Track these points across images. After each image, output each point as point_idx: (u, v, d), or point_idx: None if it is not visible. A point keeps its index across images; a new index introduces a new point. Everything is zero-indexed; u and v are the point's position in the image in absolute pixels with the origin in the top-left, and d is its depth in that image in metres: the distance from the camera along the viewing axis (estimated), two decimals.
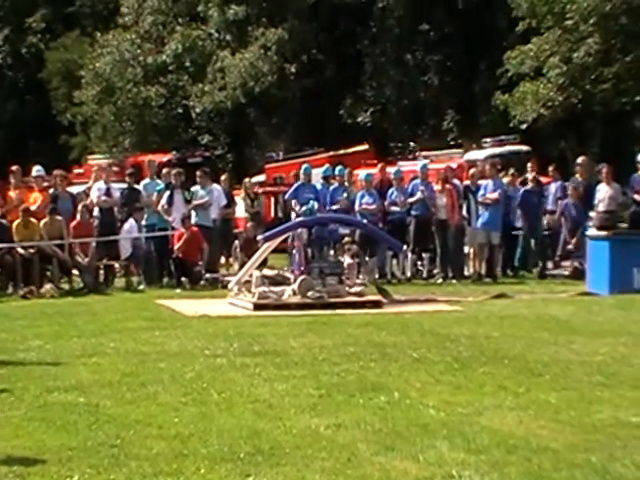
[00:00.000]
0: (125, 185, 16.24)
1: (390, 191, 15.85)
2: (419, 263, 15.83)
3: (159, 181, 15.94)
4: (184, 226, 14.63)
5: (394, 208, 15.73)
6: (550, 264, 16.30)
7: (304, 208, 15.04)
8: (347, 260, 13.12)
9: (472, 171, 16.82)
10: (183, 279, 14.35)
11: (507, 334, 8.88)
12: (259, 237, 13.60)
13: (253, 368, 7.19)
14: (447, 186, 15.71)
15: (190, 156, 27.70)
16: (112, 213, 15.51)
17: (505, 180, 16.41)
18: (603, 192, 15.16)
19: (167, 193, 15.30)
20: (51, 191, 15.42)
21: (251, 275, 12.13)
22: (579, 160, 16.96)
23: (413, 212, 15.67)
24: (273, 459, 4.81)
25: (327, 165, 17.42)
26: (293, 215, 15.76)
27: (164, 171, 16.40)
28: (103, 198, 15.36)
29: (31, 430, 5.47)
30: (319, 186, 16.00)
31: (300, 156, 25.13)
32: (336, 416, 5.65)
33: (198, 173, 16.08)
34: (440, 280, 15.17)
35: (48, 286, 13.73)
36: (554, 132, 26.81)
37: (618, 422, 5.51)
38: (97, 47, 31.78)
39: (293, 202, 15.64)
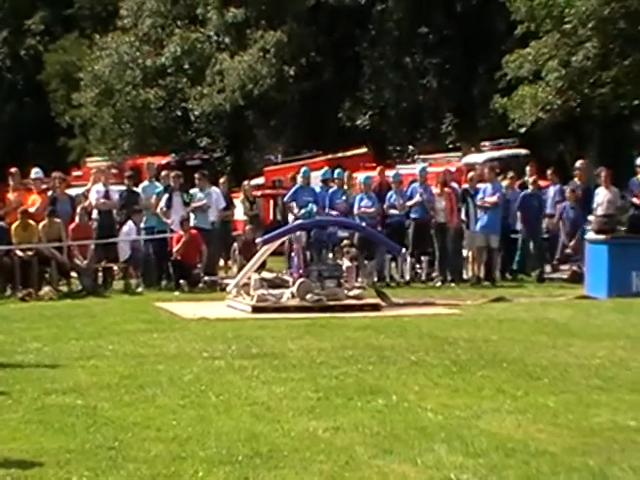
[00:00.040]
0: (124, 187, 16.23)
1: (389, 194, 15.86)
2: (418, 266, 15.83)
3: (158, 184, 15.95)
4: (183, 229, 14.62)
5: (393, 211, 15.74)
6: (548, 268, 16.31)
7: (303, 211, 15.03)
8: (346, 263, 13.12)
9: (471, 174, 16.83)
10: (182, 282, 14.35)
11: (506, 337, 8.89)
12: (258, 240, 13.60)
13: (251, 371, 7.19)
14: (446, 189, 15.72)
15: (189, 159, 27.71)
16: (111, 215, 15.50)
17: (504, 183, 16.42)
18: (602, 196, 15.18)
19: (166, 196, 15.31)
20: (50, 193, 15.41)
21: (250, 278, 12.13)
22: (578, 164, 16.97)
23: (412, 215, 15.68)
24: (271, 462, 4.81)
25: (326, 168, 17.42)
26: (290, 217, 15.78)
27: (163, 174, 16.41)
28: (102, 200, 15.36)
29: (29, 433, 5.46)
30: (318, 189, 16.01)
31: (299, 159, 25.15)
32: (334, 419, 5.65)
33: (197, 176, 16.09)
34: (439, 283, 15.17)
35: (47, 288, 13.72)
36: (553, 136, 26.82)
37: (616, 426, 5.51)
38: (96, 49, 31.77)
39: (292, 205, 15.64)
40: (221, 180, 17.28)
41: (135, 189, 15.89)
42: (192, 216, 15.13)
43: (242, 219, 17.06)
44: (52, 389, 6.59)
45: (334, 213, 15.26)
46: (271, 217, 22.42)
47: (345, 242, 14.61)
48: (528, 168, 17.43)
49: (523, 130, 23.13)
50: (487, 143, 22.61)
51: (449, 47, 29.77)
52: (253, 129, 32.00)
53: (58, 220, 14.47)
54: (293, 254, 12.93)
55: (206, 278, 14.54)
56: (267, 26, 29.77)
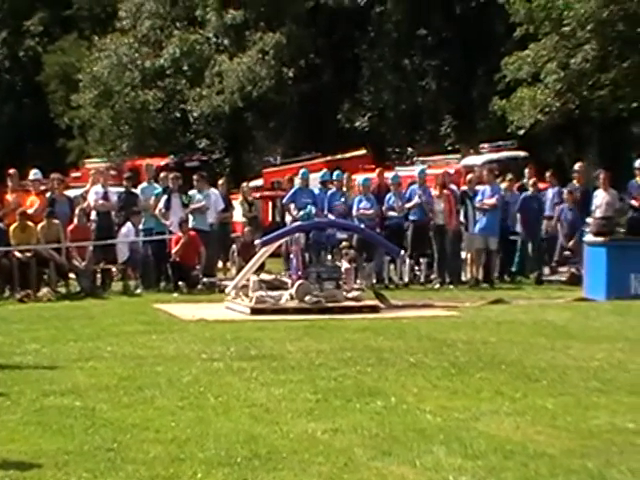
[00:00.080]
0: (122, 189, 16.23)
1: (388, 196, 15.87)
2: (416, 268, 15.83)
3: (157, 185, 15.95)
4: (181, 230, 14.62)
5: (392, 213, 15.74)
6: (547, 270, 16.31)
7: (302, 213, 15.04)
8: (344, 265, 13.11)
9: (470, 176, 16.83)
10: (180, 283, 14.34)
11: (504, 339, 8.89)
12: (256, 241, 13.60)
13: (250, 372, 7.19)
14: (445, 191, 15.73)
15: (188, 160, 27.69)
16: (109, 217, 15.49)
17: (503, 186, 16.43)
18: (600, 198, 15.19)
19: (164, 197, 15.31)
20: (48, 195, 15.40)
21: (248, 279, 12.13)
22: (576, 166, 16.98)
23: (411, 217, 15.69)
24: (270, 464, 4.81)
25: (325, 170, 17.43)
26: (287, 218, 15.78)
27: (162, 175, 16.41)
28: (100, 202, 15.35)
29: (27, 434, 5.46)
30: (317, 191, 16.01)
31: (298, 160, 25.13)
32: (333, 421, 5.65)
33: (195, 177, 16.09)
34: (437, 285, 15.18)
35: (45, 290, 13.72)
36: (551, 138, 26.83)
37: (615, 428, 5.51)
38: (95, 51, 31.75)
39: (291, 207, 15.65)
40: (220, 182, 17.28)
41: (134, 190, 15.89)
42: (191, 218, 15.13)
43: (241, 221, 17.05)
44: (50, 390, 6.58)
45: (331, 217, 15.25)
46: (270, 219, 22.41)
47: (344, 244, 14.60)
48: (527, 170, 17.45)
49: (522, 132, 23.14)
50: (486, 145, 22.61)
51: (448, 49, 29.78)
52: (252, 131, 31.99)
53: (57, 221, 14.47)
54: (292, 256, 12.93)
55: (205, 280, 14.53)
56: (266, 28, 29.77)
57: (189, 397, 6.35)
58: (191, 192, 15.63)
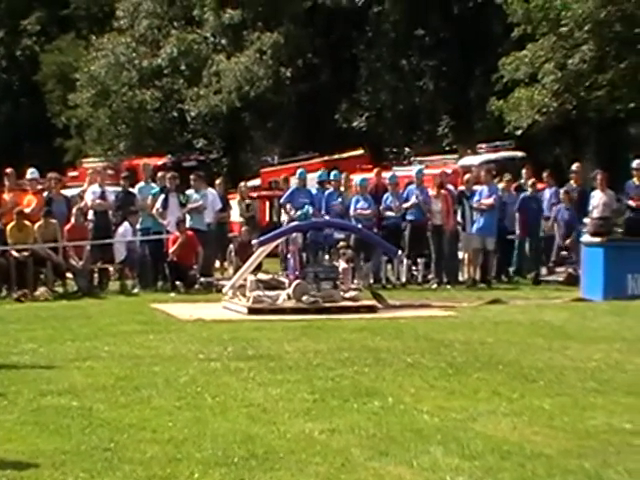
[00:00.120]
0: (120, 188, 16.23)
1: (385, 196, 15.87)
2: (414, 268, 15.83)
3: (154, 185, 15.94)
4: (179, 230, 14.61)
5: (389, 213, 15.75)
6: (544, 270, 16.33)
7: (299, 213, 15.04)
8: (342, 265, 13.11)
9: (467, 177, 16.85)
10: (178, 283, 14.34)
11: (501, 340, 8.89)
12: (254, 241, 13.59)
13: (247, 372, 7.18)
14: (442, 191, 15.74)
15: (185, 160, 27.65)
16: (107, 216, 15.49)
17: (500, 186, 16.44)
18: (597, 199, 15.21)
19: (162, 197, 15.30)
20: (45, 194, 15.39)
21: (246, 279, 12.13)
22: (574, 167, 17.00)
23: (408, 217, 15.70)
24: (267, 464, 4.81)
25: (322, 170, 17.42)
26: (283, 217, 15.77)
27: (159, 175, 16.40)
28: (98, 201, 15.35)
29: (24, 434, 5.45)
30: (314, 191, 16.01)
31: (295, 160, 25.13)
32: (330, 421, 5.65)
33: (192, 177, 16.09)
34: (435, 285, 15.18)
35: (42, 289, 13.71)
36: (549, 138, 26.85)
37: (612, 428, 5.52)
38: (92, 50, 31.72)
39: (288, 206, 15.64)
40: (217, 181, 17.27)
41: (131, 190, 15.88)
42: (188, 217, 15.13)
43: (238, 220, 17.05)
44: (48, 390, 6.58)
45: (326, 218, 15.25)
46: (267, 219, 22.40)
47: (341, 244, 14.61)
48: (524, 171, 17.46)
49: (519, 132, 23.16)
50: (483, 145, 22.62)
51: (446, 49, 29.80)
52: (249, 130, 31.99)
53: (54, 221, 14.45)
54: (289, 256, 12.94)
55: (202, 279, 14.53)
56: (264, 28, 29.77)
57: (186, 397, 6.35)
58: (188, 192, 15.63)
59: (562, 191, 16.19)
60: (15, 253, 13.95)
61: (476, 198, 15.66)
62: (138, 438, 5.29)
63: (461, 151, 24.70)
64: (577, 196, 16.03)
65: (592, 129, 26.35)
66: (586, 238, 13.79)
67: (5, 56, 41.24)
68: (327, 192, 15.88)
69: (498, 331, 9.52)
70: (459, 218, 15.83)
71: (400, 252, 14.83)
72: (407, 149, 30.24)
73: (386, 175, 17.26)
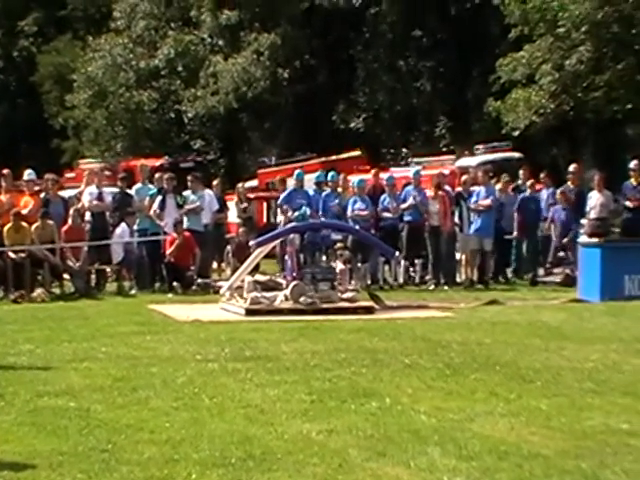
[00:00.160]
0: (117, 189, 16.22)
1: (383, 197, 15.87)
2: (411, 269, 15.84)
3: (151, 186, 15.93)
4: (176, 231, 14.61)
5: (386, 214, 15.74)
6: (541, 271, 16.34)
7: (296, 214, 15.04)
8: (339, 266, 13.12)
9: (464, 177, 16.86)
10: (175, 284, 14.33)
11: (499, 340, 8.90)
12: (251, 242, 13.59)
13: (245, 373, 7.18)
14: (440, 192, 15.74)
15: (182, 161, 27.64)
16: (104, 217, 15.47)
17: (497, 187, 16.45)
18: (595, 199, 15.23)
19: (159, 198, 15.29)
20: (42, 195, 15.38)
21: (243, 280, 12.12)
22: (571, 167, 17.02)
23: (405, 218, 15.70)
24: (264, 464, 4.81)
25: (320, 171, 17.42)
26: (280, 218, 15.76)
27: (156, 176, 16.39)
28: (95, 202, 15.33)
29: (21, 435, 5.45)
30: (312, 192, 16.01)
31: (293, 161, 25.13)
32: (328, 422, 5.65)
33: (189, 178, 16.08)
34: (432, 286, 15.19)
35: (39, 290, 13.69)
36: (546, 139, 26.88)
37: (609, 429, 5.52)
38: (89, 51, 31.73)
39: (285, 207, 15.64)
40: (214, 182, 17.27)
41: (128, 191, 15.87)
42: (185, 218, 15.12)
43: (235, 221, 17.04)
44: (45, 391, 6.57)
45: (323, 219, 15.25)
46: (265, 220, 22.40)
47: (339, 245, 14.61)
48: (521, 172, 17.48)
49: (517, 133, 23.18)
50: (480, 146, 22.63)
51: (443, 50, 29.83)
52: (247, 132, 32.00)
53: (51, 222, 14.44)
54: (286, 257, 12.94)
55: (199, 280, 14.52)
56: (261, 29, 29.79)
57: (184, 398, 6.35)
58: (186, 193, 15.62)
59: (558, 191, 16.21)
60: (12, 254, 13.94)
61: (473, 199, 15.66)
62: (135, 439, 5.29)
63: (458, 152, 24.70)
64: (574, 197, 16.03)
65: (589, 130, 26.39)
66: (583, 239, 13.80)
67: (2, 57, 41.23)
68: (324, 193, 15.88)
69: (495, 332, 9.52)
70: (456, 219, 15.83)
71: (397, 253, 14.83)
72: (404, 150, 30.25)
73: (383, 176, 17.26)
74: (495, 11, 24.23)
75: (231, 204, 17.33)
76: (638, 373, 7.24)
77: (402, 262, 15.49)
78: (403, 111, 30.58)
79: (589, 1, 21.15)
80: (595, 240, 13.37)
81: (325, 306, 11.43)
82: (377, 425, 5.57)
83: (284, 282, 12.03)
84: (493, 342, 8.79)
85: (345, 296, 11.96)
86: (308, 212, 14.76)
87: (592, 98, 22.11)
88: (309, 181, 16.59)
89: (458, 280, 15.71)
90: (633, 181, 15.45)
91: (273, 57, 29.30)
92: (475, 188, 16.02)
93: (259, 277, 12.36)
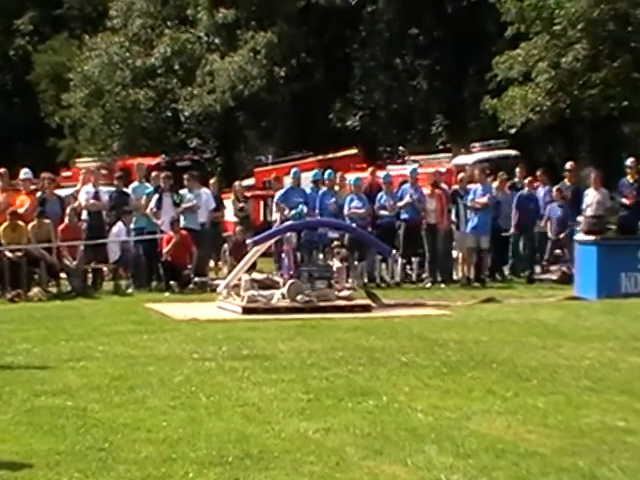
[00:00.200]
0: (114, 188, 16.19)
1: (379, 195, 15.87)
2: (408, 267, 15.84)
3: (148, 184, 15.93)
4: (173, 229, 14.60)
5: (383, 212, 15.75)
6: (538, 269, 16.35)
7: (293, 212, 15.03)
8: (336, 264, 13.12)
9: (461, 175, 16.86)
10: (172, 283, 14.32)
11: (495, 338, 8.91)
12: (248, 241, 13.59)
13: (242, 372, 7.18)
14: (436, 190, 15.74)
15: (179, 159, 27.61)
16: (100, 216, 15.45)
17: (494, 184, 16.45)
18: (591, 197, 15.24)
19: (156, 196, 15.29)
20: (39, 194, 15.34)
21: (240, 279, 12.12)
22: (567, 165, 17.03)
23: (402, 216, 15.71)
24: (262, 463, 4.81)
25: (317, 169, 17.42)
26: (275, 216, 15.75)
27: (153, 174, 16.38)
28: (91, 201, 15.32)
29: (18, 434, 5.44)
30: (308, 190, 16.01)
31: (289, 160, 25.13)
32: (325, 420, 5.65)
33: (185, 177, 16.07)
34: (429, 284, 15.19)
35: (36, 289, 13.68)
36: (543, 137, 26.90)
37: (605, 427, 5.53)
38: (85, 50, 31.68)
39: (282, 206, 15.63)
40: (211, 181, 17.26)
41: (125, 190, 15.86)
42: (182, 217, 15.11)
43: (232, 220, 17.04)
44: (42, 391, 6.57)
45: (319, 218, 15.24)
46: (261, 218, 22.40)
47: (335, 243, 14.60)
48: (518, 169, 17.49)
49: (513, 131, 23.20)
50: (477, 144, 22.64)
51: (439, 48, 29.84)
52: (243, 130, 31.98)
53: (47, 221, 14.42)
54: (283, 255, 12.94)
55: (196, 279, 14.51)
56: (257, 27, 29.76)
57: (181, 397, 6.34)
58: (182, 191, 15.62)
59: (554, 189, 16.22)
60: (9, 253, 13.92)
61: (470, 197, 15.67)
62: (133, 438, 5.29)
63: (455, 150, 24.73)
64: (571, 194, 16.05)
65: (586, 128, 26.41)
66: (580, 236, 13.81)
67: None
68: (321, 191, 15.87)
69: (492, 330, 9.53)
70: (453, 217, 15.84)
71: (394, 251, 14.84)
72: (401, 148, 30.26)
73: (380, 174, 17.27)
74: (491, 9, 24.24)
75: (228, 203, 17.32)
76: (634, 371, 7.25)
77: (399, 260, 15.49)
78: (400, 109, 30.59)
79: None
80: (591, 238, 13.38)
81: (322, 304, 11.44)
82: (374, 423, 5.58)
83: (281, 280, 12.03)
84: (490, 340, 8.80)
85: (342, 294, 11.97)
86: (305, 210, 14.74)
87: (588, 96, 22.14)
88: (306, 179, 16.58)
89: (455, 278, 15.72)
90: (629, 178, 15.47)
91: (269, 55, 29.28)
92: (472, 186, 16.03)
93: (256, 275, 12.36)
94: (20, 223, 14.22)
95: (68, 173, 26.79)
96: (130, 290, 14.40)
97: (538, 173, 17.25)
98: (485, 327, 9.77)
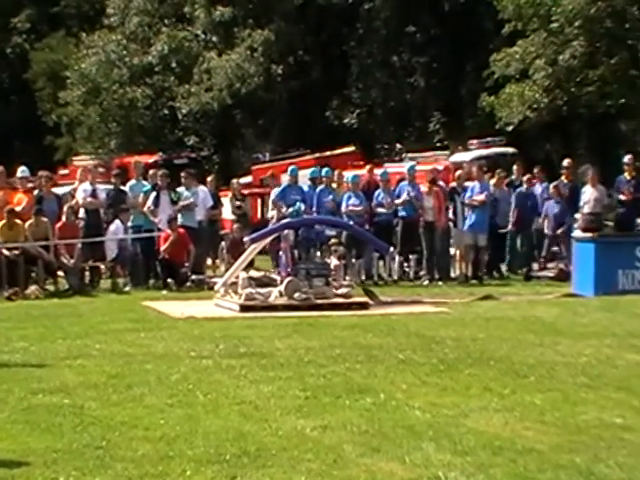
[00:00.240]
0: (111, 186, 16.19)
1: (377, 193, 15.86)
2: (405, 265, 15.85)
3: (145, 182, 15.91)
4: (170, 227, 14.59)
5: (381, 210, 15.74)
6: (536, 266, 16.36)
7: (291, 209, 15.04)
8: (334, 261, 13.11)
9: (458, 173, 16.86)
10: (169, 280, 14.32)
11: (493, 336, 8.91)
12: (245, 238, 13.59)
13: (239, 370, 7.18)
14: (434, 188, 15.74)
15: (176, 157, 27.62)
16: (98, 214, 15.45)
17: (491, 182, 16.45)
18: (589, 194, 15.24)
19: (153, 194, 15.27)
20: (36, 192, 15.33)
21: (237, 276, 12.11)
22: (565, 162, 17.04)
23: (400, 214, 15.70)
24: (259, 461, 4.81)
25: (314, 167, 17.41)
26: (271, 214, 15.74)
27: (150, 172, 16.36)
28: (89, 199, 15.31)
29: (15, 433, 5.44)
30: (306, 188, 16.00)
31: (287, 157, 25.12)
32: (322, 418, 5.65)
33: (183, 174, 16.05)
34: (426, 282, 15.19)
35: (33, 287, 13.67)
36: (540, 134, 26.89)
37: (602, 423, 5.54)
38: (83, 48, 31.67)
39: (280, 203, 15.63)
40: (208, 179, 17.25)
41: (122, 188, 15.85)
42: (179, 215, 15.10)
43: (230, 218, 17.03)
44: (39, 389, 6.56)
45: (316, 215, 15.23)
46: (259, 216, 22.38)
47: (333, 241, 14.61)
48: (515, 167, 17.49)
49: (510, 128, 23.21)
50: (474, 141, 22.64)
51: (436, 46, 29.83)
52: (241, 128, 31.96)
53: (45, 219, 14.41)
54: (280, 253, 12.93)
55: (194, 277, 14.51)
56: (255, 25, 29.75)
57: (178, 395, 6.34)
58: (179, 189, 15.60)
59: (551, 186, 16.23)
60: (6, 252, 13.91)
61: (468, 194, 15.67)
62: (130, 436, 5.28)
63: (452, 147, 24.71)
64: (568, 192, 16.05)
65: (583, 125, 26.41)
66: (577, 234, 13.82)
67: None
68: (319, 189, 15.86)
69: (489, 327, 9.54)
70: (451, 214, 15.84)
71: (392, 249, 14.84)
72: (398, 146, 30.26)
73: (378, 172, 17.26)
74: (488, 6, 24.24)
75: (225, 200, 17.32)
76: (632, 368, 7.26)
77: (396, 257, 15.50)
78: (397, 107, 30.58)
79: None
80: (589, 235, 13.39)
81: (319, 302, 11.43)
82: (371, 421, 5.58)
83: (278, 278, 12.03)
84: (487, 337, 8.80)
85: (339, 292, 11.97)
86: (302, 208, 14.75)
87: (585, 93, 22.14)
88: (303, 177, 16.57)
89: (452, 275, 15.73)
90: (627, 175, 15.48)
91: (267, 53, 29.27)
92: (469, 183, 16.03)
93: (253, 273, 12.35)
94: (17, 221, 14.21)
95: (65, 171, 26.79)
96: (127, 288, 14.39)
97: (535, 170, 17.25)
98: (482, 324, 9.77)
